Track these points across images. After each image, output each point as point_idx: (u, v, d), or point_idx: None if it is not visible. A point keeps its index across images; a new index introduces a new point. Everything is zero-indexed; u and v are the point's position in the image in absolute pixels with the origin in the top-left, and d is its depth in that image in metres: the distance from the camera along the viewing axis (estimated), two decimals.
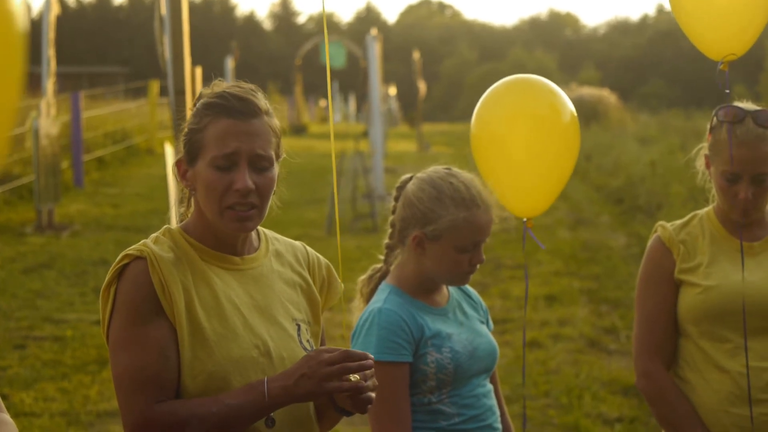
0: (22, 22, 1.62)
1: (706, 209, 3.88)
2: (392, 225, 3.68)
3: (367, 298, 3.73)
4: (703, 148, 3.82)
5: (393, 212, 3.67)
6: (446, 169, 3.63)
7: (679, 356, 3.83)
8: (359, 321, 3.58)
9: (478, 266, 3.57)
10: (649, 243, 3.88)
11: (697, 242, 3.80)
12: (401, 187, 3.66)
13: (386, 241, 3.72)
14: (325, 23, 2.93)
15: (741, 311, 3.67)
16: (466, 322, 3.68)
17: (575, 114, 3.92)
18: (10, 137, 1.66)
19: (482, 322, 3.76)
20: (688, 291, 3.77)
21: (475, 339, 3.63)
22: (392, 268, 3.70)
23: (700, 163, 3.85)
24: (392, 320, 3.50)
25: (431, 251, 3.54)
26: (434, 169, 3.63)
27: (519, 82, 3.98)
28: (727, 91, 3.70)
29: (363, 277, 3.80)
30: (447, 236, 3.51)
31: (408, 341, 3.50)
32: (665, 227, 3.84)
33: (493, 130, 3.95)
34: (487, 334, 3.72)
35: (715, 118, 3.71)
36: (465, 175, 3.60)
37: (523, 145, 3.90)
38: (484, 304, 3.86)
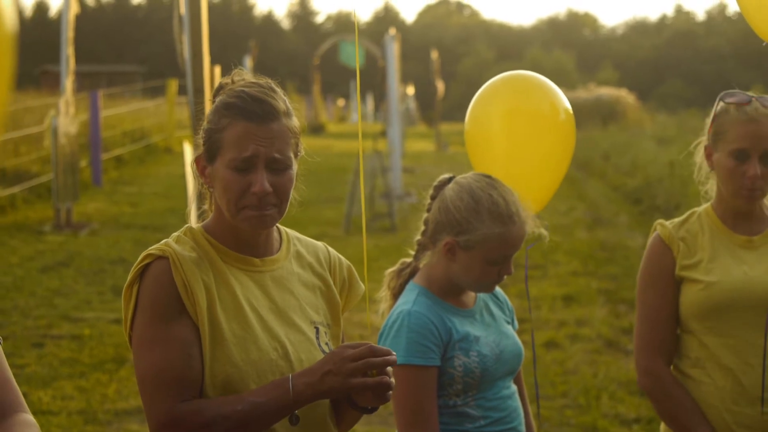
0: (11, 22, 1.61)
1: (704, 206, 3.88)
2: (425, 223, 3.64)
3: (394, 293, 3.72)
4: (702, 141, 3.82)
5: (428, 210, 3.63)
6: (487, 177, 3.59)
7: (682, 353, 3.82)
8: (387, 321, 3.57)
9: (505, 277, 3.56)
10: (649, 241, 3.87)
11: (696, 239, 3.79)
12: (439, 187, 3.62)
13: (418, 237, 3.68)
14: (357, 33, 2.93)
15: (744, 306, 3.67)
16: (492, 323, 3.66)
17: (571, 111, 3.92)
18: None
19: (508, 323, 3.75)
20: (690, 287, 3.76)
21: (502, 341, 3.62)
22: (421, 266, 3.68)
23: (699, 157, 3.85)
24: (422, 323, 3.48)
25: (461, 259, 3.52)
26: (475, 177, 3.59)
27: (513, 78, 3.97)
28: None
29: (391, 269, 3.77)
30: (479, 248, 3.48)
31: (437, 345, 3.49)
32: (664, 225, 3.84)
33: (487, 127, 3.95)
34: (513, 335, 3.70)
35: (721, 103, 3.71)
36: (505, 187, 3.56)
37: (518, 143, 3.89)
38: (510, 303, 3.84)
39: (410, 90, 46.36)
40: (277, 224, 2.95)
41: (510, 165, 3.86)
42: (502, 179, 3.65)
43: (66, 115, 16.04)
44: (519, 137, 3.90)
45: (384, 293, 3.76)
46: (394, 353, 2.69)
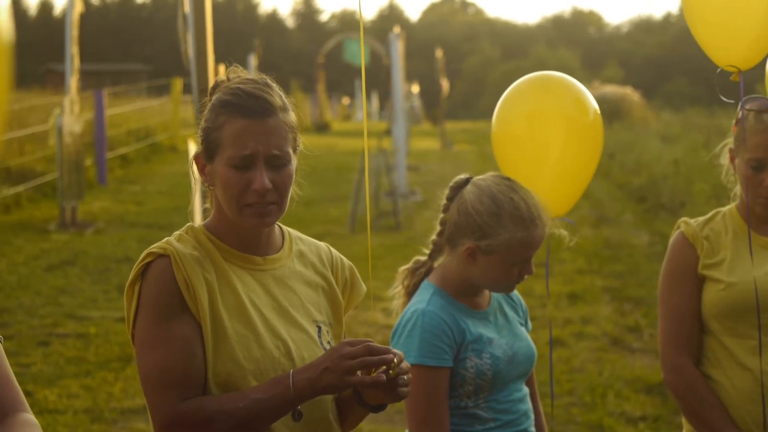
0: (8, 33, 1.60)
1: (728, 206, 3.87)
2: (442, 224, 3.61)
3: (408, 290, 3.71)
4: (728, 143, 3.80)
5: (444, 211, 3.60)
6: (506, 180, 3.56)
7: (702, 353, 3.81)
8: (401, 320, 3.55)
9: (526, 277, 3.55)
10: (672, 239, 3.86)
11: (720, 238, 3.79)
12: (456, 188, 3.59)
13: (434, 238, 3.65)
14: (362, 32, 2.93)
15: (764, 307, 3.66)
16: (506, 325, 3.65)
17: (598, 111, 3.90)
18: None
19: (522, 324, 3.74)
20: (711, 287, 3.75)
21: (515, 343, 3.61)
22: (436, 265, 3.66)
23: (725, 159, 3.83)
24: (435, 323, 3.47)
25: (482, 263, 3.50)
26: (494, 180, 3.56)
27: (540, 79, 3.94)
28: (730, 101, 3.71)
29: (405, 267, 3.75)
30: (501, 252, 3.47)
31: (450, 345, 3.48)
32: (689, 223, 3.83)
33: (514, 128, 3.93)
34: (526, 337, 3.69)
35: (741, 110, 3.69)
36: (524, 189, 3.54)
37: (546, 144, 3.87)
38: (524, 304, 3.82)
39: (415, 88, 46.29)
40: (280, 224, 2.96)
41: (537, 166, 3.85)
42: (528, 180, 3.64)
43: (71, 113, 16.04)
44: (546, 138, 3.87)
45: (398, 290, 3.74)
46: (395, 351, 2.67)
